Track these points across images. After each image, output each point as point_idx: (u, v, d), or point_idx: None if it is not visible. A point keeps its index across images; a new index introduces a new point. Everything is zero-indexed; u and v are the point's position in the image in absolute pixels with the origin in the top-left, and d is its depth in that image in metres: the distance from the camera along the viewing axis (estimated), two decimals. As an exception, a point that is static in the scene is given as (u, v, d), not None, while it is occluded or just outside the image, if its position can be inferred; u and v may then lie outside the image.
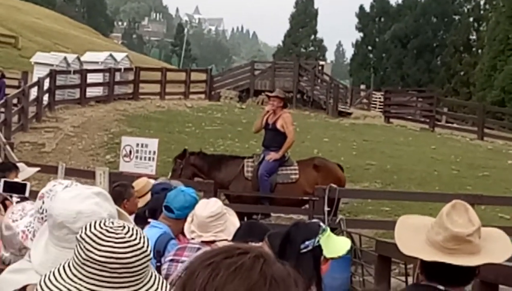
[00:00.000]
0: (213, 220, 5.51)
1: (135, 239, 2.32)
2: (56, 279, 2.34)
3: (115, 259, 2.28)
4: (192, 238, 5.58)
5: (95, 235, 2.30)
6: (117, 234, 2.31)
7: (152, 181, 8.92)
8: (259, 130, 16.11)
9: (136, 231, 2.36)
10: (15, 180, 6.26)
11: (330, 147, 26.17)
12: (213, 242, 5.45)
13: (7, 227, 3.75)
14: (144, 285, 2.36)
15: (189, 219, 5.70)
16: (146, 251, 2.34)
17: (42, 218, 3.29)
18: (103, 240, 2.29)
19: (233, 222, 5.59)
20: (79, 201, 2.78)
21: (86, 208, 2.76)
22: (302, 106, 38.63)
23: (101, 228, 2.32)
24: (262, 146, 16.12)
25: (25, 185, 5.74)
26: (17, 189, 5.64)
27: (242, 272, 1.73)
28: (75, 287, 2.29)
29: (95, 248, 2.28)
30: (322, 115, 36.06)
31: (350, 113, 38.21)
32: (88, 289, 2.30)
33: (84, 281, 2.30)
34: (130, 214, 7.67)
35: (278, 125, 15.46)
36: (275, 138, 15.54)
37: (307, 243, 4.22)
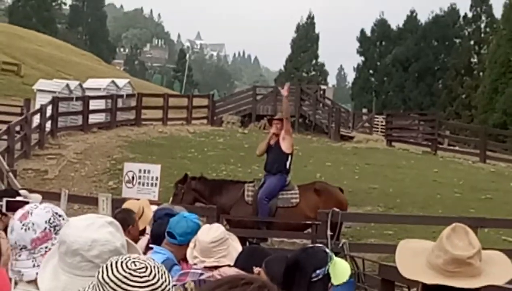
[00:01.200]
0: (215, 246, 5.52)
1: (159, 280, 2.34)
2: None
3: None
4: (195, 264, 5.58)
5: (120, 280, 2.32)
6: (141, 277, 2.32)
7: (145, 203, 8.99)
8: (263, 153, 16.12)
9: (158, 270, 2.37)
10: (18, 198, 6.26)
11: (332, 171, 26.16)
12: (215, 267, 5.46)
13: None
14: None
15: (191, 244, 5.71)
16: (169, 290, 2.36)
17: (11, 247, 3.33)
18: (128, 284, 2.31)
19: (236, 247, 5.60)
20: (94, 230, 2.81)
21: (101, 237, 2.79)
22: (304, 130, 38.67)
23: (125, 271, 2.33)
24: (264, 170, 16.14)
25: (27, 203, 5.78)
26: (19, 207, 5.66)
27: None
28: None
29: None
30: (324, 140, 36.08)
31: (352, 137, 38.23)
32: None
33: None
34: (134, 238, 7.71)
35: (280, 143, 15.46)
36: (276, 161, 15.55)
37: (318, 272, 4.25)
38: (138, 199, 11.28)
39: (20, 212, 3.30)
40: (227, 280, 1.84)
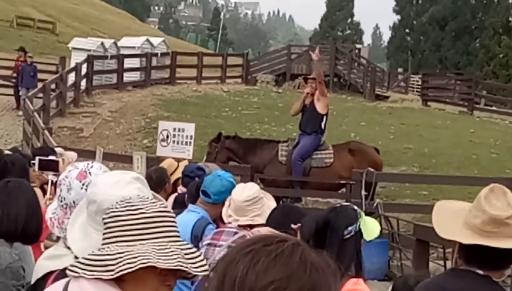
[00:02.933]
0: (249, 204, 5.50)
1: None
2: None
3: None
4: (229, 222, 5.58)
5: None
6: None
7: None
8: (297, 113, 16.07)
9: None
10: (50, 157, 6.29)
11: (367, 131, 26.05)
12: (250, 226, 5.45)
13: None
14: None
15: (226, 203, 5.71)
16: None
17: (63, 206, 3.29)
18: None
19: (270, 206, 5.57)
20: (121, 187, 2.80)
21: (129, 193, 2.76)
22: (339, 90, 38.45)
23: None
24: (299, 129, 16.09)
25: (57, 162, 5.79)
26: (51, 166, 5.68)
27: (283, 259, 1.75)
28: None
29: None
30: (359, 99, 35.87)
31: (387, 97, 37.96)
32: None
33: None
34: (169, 195, 7.75)
35: (316, 104, 15.39)
36: (311, 120, 15.49)
37: (350, 228, 4.25)
38: (176, 158, 11.33)
39: (75, 171, 3.26)
40: (262, 238, 1.85)
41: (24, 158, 6.56)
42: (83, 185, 3.22)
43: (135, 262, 2.37)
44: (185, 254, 2.46)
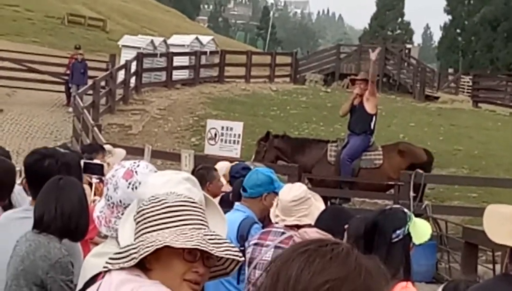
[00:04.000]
0: (296, 204, 5.47)
1: None
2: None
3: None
4: (276, 222, 5.56)
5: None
6: None
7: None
8: (346, 114, 15.99)
9: None
10: (95, 161, 6.32)
11: (416, 132, 25.86)
12: (297, 226, 5.41)
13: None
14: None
15: (274, 203, 5.69)
16: None
17: (109, 205, 3.29)
18: None
19: (318, 207, 5.53)
20: (171, 186, 2.76)
21: (178, 193, 2.73)
22: (388, 90, 38.20)
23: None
24: (348, 129, 16.01)
25: (102, 165, 5.80)
26: (96, 170, 5.68)
27: (339, 260, 1.78)
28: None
29: None
30: (409, 100, 35.61)
31: (437, 98, 37.63)
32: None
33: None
34: (214, 196, 7.73)
35: (365, 104, 15.30)
36: (360, 121, 15.41)
37: (398, 232, 4.20)
38: (222, 157, 11.35)
39: (122, 170, 3.26)
40: (316, 240, 1.88)
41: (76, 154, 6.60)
42: (129, 184, 3.21)
43: (152, 245, 2.42)
44: (209, 238, 2.47)
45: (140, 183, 3.17)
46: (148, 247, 2.42)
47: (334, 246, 1.81)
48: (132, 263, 2.44)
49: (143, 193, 2.83)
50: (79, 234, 4.35)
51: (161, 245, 2.40)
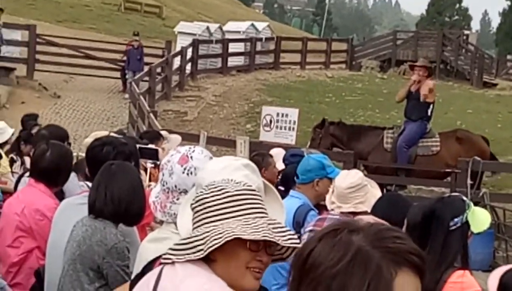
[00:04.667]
0: (352, 191, 5.43)
1: None
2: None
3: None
4: (332, 209, 5.53)
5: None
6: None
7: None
8: (402, 100, 15.86)
9: None
10: (150, 146, 6.32)
11: (474, 119, 25.54)
12: (353, 213, 5.38)
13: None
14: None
15: (330, 190, 5.66)
16: None
17: (165, 190, 3.29)
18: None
19: (375, 194, 5.49)
20: (229, 172, 2.75)
21: (236, 180, 2.71)
22: (446, 77, 37.78)
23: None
24: (404, 116, 15.87)
25: (157, 150, 5.78)
26: (150, 154, 5.68)
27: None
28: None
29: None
30: (466, 86, 35.17)
31: (495, 84, 37.08)
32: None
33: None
34: (269, 183, 7.70)
35: (421, 93, 15.15)
36: (416, 108, 15.27)
37: (456, 220, 4.16)
38: (277, 144, 11.33)
39: (177, 155, 3.26)
40: (346, 222, 1.81)
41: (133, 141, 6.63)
42: (184, 169, 3.21)
43: (221, 237, 2.39)
44: (273, 228, 2.46)
45: (195, 168, 3.17)
46: (216, 239, 2.39)
47: (387, 232, 1.72)
48: (200, 255, 2.42)
49: (202, 178, 2.82)
50: (133, 219, 4.36)
51: (231, 237, 2.38)
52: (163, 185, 3.28)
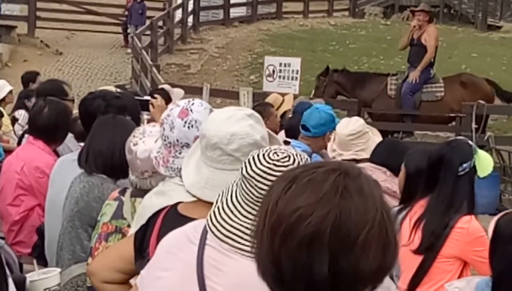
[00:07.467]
0: (353, 139, 5.43)
1: None
2: (230, 217, 2.38)
3: None
4: (333, 157, 5.52)
5: (264, 171, 2.32)
6: (285, 166, 2.31)
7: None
8: (405, 47, 15.81)
9: (301, 157, 2.36)
10: (145, 97, 6.22)
11: (478, 62, 25.40)
12: (354, 160, 5.37)
13: (128, 150, 3.78)
14: None
15: (331, 137, 5.65)
16: None
17: (166, 145, 3.27)
18: (274, 175, 2.28)
19: (376, 141, 5.49)
20: (233, 123, 2.74)
21: (240, 130, 2.72)
22: (449, 21, 37.49)
23: (268, 162, 2.33)
24: (407, 62, 15.80)
25: (148, 100, 5.65)
26: (144, 106, 5.59)
27: (313, 185, 1.69)
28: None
29: (268, 186, 2.23)
30: (470, 30, 34.90)
31: (500, 27, 36.82)
32: None
33: None
34: (272, 131, 7.69)
35: (423, 40, 15.09)
36: (419, 54, 15.20)
37: (464, 165, 4.17)
38: (281, 93, 11.29)
39: (177, 109, 3.24)
40: (304, 165, 1.83)
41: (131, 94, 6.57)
42: (185, 123, 3.19)
43: None
44: None
45: (196, 121, 3.16)
46: None
47: (315, 170, 1.72)
48: None
49: (205, 128, 2.81)
50: (122, 171, 4.23)
51: None
52: (165, 140, 3.26)
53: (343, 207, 1.66)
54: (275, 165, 2.31)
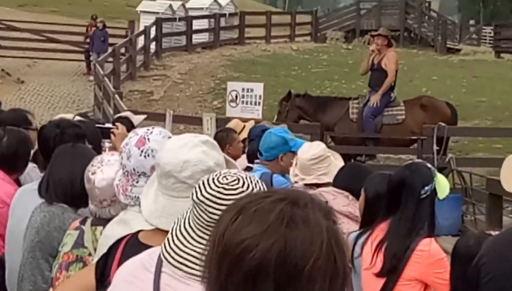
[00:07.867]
0: (315, 163, 5.44)
1: (253, 189, 2.32)
2: (182, 244, 2.37)
3: None
4: (296, 182, 5.54)
5: (214, 195, 2.30)
6: (235, 189, 2.30)
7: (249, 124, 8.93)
8: (366, 72, 15.94)
9: (251, 180, 2.35)
10: (107, 125, 6.20)
11: (439, 85, 25.68)
12: (316, 185, 5.39)
13: (86, 179, 3.77)
14: None
15: (293, 162, 5.67)
16: None
17: (125, 173, 3.28)
18: (223, 199, 2.28)
19: (338, 166, 5.50)
20: (186, 150, 2.73)
21: (193, 157, 2.71)
22: (410, 44, 37.91)
23: (217, 186, 2.31)
24: (368, 87, 15.94)
25: (109, 128, 5.62)
26: (105, 134, 5.56)
27: (259, 215, 1.68)
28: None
29: (218, 209, 2.26)
30: (430, 53, 35.32)
31: (459, 50, 37.30)
32: None
33: None
34: (234, 158, 7.69)
35: (383, 65, 15.25)
36: (380, 78, 15.35)
37: (426, 188, 4.21)
38: (243, 119, 11.31)
39: (135, 138, 3.24)
40: (251, 195, 1.84)
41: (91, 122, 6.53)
42: (141, 152, 3.19)
43: None
44: None
45: (152, 150, 3.15)
46: None
47: (263, 200, 1.71)
48: None
49: (159, 157, 2.81)
50: (81, 200, 4.18)
51: None
52: (123, 168, 3.26)
53: (289, 237, 1.65)
54: (224, 188, 2.30)
